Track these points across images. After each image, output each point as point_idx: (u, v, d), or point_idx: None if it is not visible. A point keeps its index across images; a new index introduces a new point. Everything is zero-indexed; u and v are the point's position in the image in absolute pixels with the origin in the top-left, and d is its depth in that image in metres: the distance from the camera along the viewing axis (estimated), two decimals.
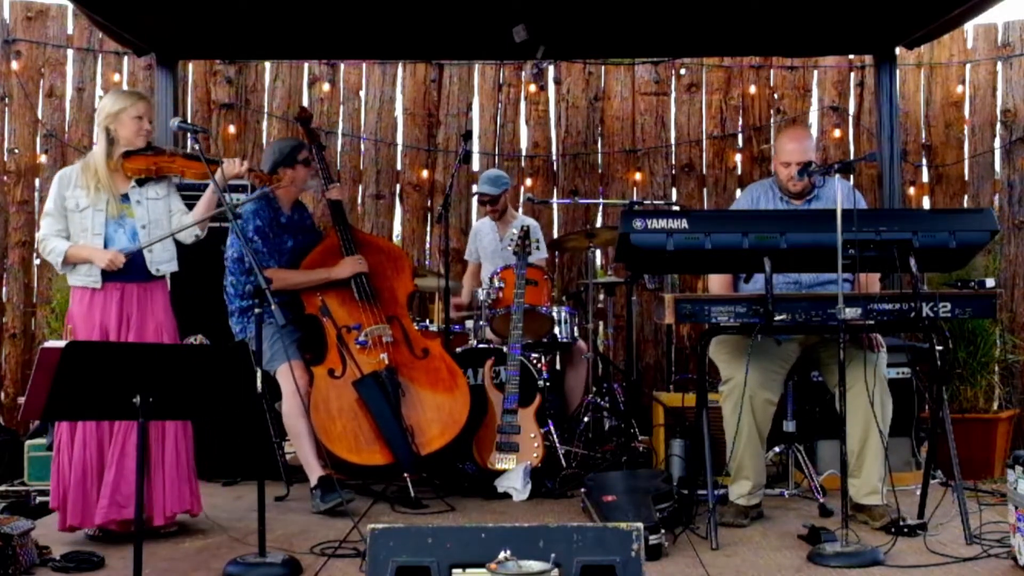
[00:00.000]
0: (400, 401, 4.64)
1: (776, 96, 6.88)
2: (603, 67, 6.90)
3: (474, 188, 6.17)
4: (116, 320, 3.97)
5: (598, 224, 6.77)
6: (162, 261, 4.09)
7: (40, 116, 6.68)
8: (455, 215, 6.60)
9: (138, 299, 4.02)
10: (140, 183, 4.09)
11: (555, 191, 6.93)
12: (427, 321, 5.86)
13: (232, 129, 6.79)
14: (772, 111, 6.87)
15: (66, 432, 3.94)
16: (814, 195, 4.35)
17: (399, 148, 6.93)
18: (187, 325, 4.74)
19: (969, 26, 6.50)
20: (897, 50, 6.11)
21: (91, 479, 3.89)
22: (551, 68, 6.74)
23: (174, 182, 4.23)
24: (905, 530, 3.85)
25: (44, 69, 6.72)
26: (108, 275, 3.96)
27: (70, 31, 6.74)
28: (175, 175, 4.17)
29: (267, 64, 6.88)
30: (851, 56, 6.75)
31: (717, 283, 4.43)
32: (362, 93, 6.94)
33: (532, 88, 6.78)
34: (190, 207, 4.19)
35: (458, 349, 5.37)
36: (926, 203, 6.69)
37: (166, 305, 4.14)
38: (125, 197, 4.06)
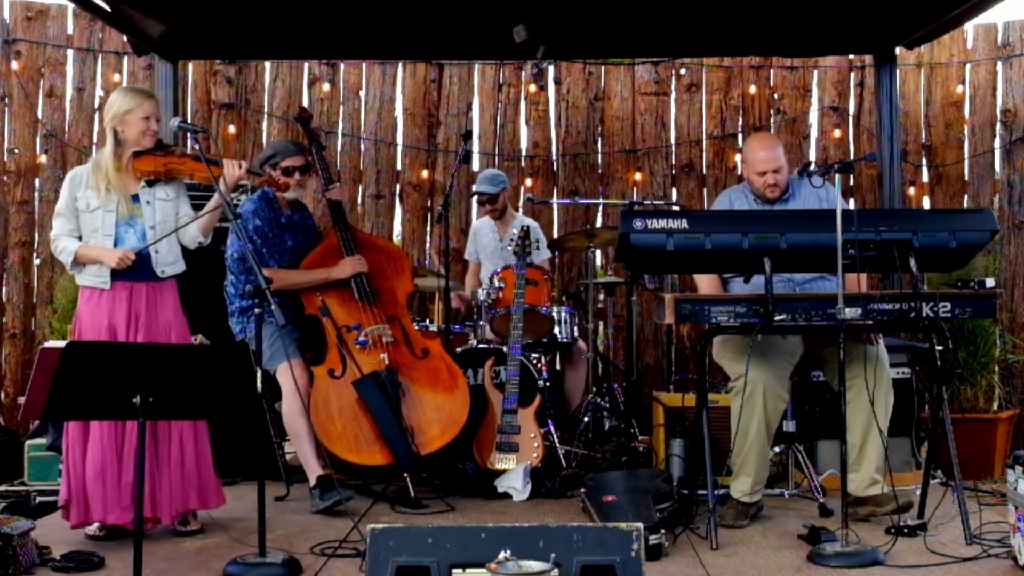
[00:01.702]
0: (400, 401, 4.64)
1: (776, 96, 6.88)
2: (603, 67, 6.90)
3: (473, 188, 6.17)
4: (125, 319, 3.96)
5: (598, 224, 6.77)
6: (168, 263, 4.08)
7: (40, 116, 6.68)
8: (455, 215, 6.60)
9: (147, 298, 4.01)
10: (150, 184, 4.07)
11: (555, 191, 6.93)
12: (427, 321, 5.87)
13: (232, 129, 6.79)
14: (772, 111, 6.87)
15: (76, 430, 3.92)
16: (789, 194, 4.39)
17: (399, 148, 6.93)
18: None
19: (969, 26, 6.50)
20: (897, 50, 6.12)
21: (111, 476, 3.88)
22: (551, 68, 6.74)
23: (184, 183, 4.19)
24: (905, 530, 3.85)
25: (44, 69, 6.72)
26: (117, 275, 3.95)
27: (70, 31, 6.74)
28: (184, 177, 4.13)
29: (267, 64, 6.88)
30: (851, 56, 6.75)
31: (705, 283, 4.42)
32: (362, 93, 6.94)
33: (532, 88, 6.78)
34: (198, 210, 4.15)
35: (458, 349, 5.37)
36: (926, 203, 6.69)
37: (175, 305, 4.12)
38: (135, 197, 4.05)
